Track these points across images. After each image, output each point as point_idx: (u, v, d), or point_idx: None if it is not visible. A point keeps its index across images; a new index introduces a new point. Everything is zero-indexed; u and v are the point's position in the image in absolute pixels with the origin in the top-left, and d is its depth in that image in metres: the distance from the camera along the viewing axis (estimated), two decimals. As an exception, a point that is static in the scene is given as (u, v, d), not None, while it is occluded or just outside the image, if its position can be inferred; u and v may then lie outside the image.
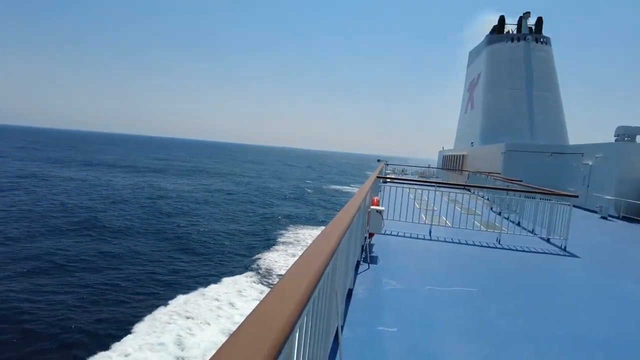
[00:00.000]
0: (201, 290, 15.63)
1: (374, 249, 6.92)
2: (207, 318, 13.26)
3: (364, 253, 6.32)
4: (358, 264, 5.91)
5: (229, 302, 14.61)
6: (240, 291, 15.91)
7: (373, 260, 6.34)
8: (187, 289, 15.69)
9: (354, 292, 4.79)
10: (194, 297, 14.89)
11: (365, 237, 6.48)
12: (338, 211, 3.58)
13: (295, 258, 2.02)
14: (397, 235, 8.49)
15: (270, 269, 18.94)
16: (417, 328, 3.99)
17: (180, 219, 28.48)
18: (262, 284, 16.91)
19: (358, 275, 5.49)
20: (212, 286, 16.13)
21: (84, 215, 26.34)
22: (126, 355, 10.94)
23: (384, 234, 8.25)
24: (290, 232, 27.69)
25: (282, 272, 18.05)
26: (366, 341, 3.62)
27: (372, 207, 6.60)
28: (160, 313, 13.34)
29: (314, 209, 39.47)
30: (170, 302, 14.31)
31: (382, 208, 6.76)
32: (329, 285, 2.51)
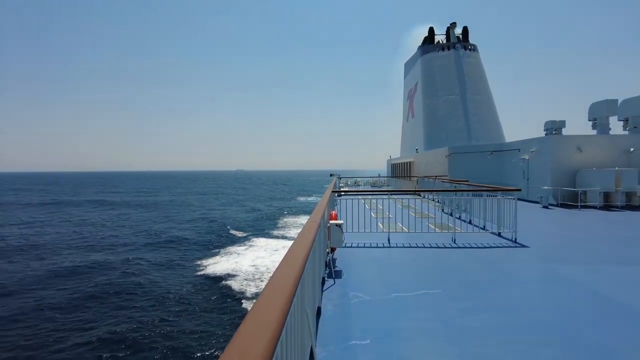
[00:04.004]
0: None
1: (337, 263, 6.84)
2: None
3: (327, 269, 6.21)
4: (324, 280, 5.80)
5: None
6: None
7: (338, 274, 6.25)
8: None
9: (322, 310, 4.68)
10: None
11: (328, 253, 6.39)
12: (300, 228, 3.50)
13: (263, 285, 1.94)
14: (358, 247, 8.47)
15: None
16: (389, 337, 3.97)
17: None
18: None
19: (325, 292, 5.38)
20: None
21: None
22: None
23: (345, 247, 8.21)
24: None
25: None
26: (340, 358, 3.55)
27: (331, 221, 6.53)
28: None
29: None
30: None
31: (341, 221, 6.72)
32: (300, 307, 2.42)
